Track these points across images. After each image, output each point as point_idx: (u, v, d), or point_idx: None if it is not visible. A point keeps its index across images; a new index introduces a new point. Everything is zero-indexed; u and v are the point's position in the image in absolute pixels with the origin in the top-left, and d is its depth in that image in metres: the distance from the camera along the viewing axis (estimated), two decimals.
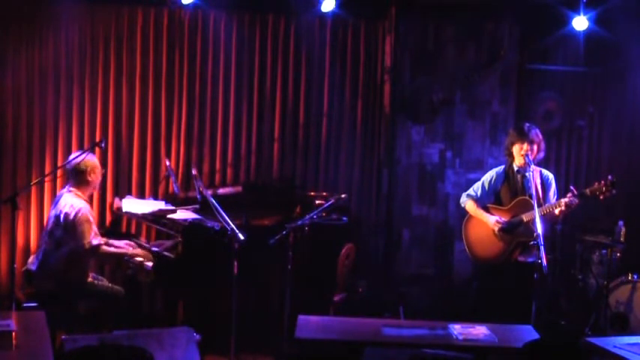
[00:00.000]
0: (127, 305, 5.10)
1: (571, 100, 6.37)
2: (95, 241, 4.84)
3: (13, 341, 3.34)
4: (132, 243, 5.18)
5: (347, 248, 5.53)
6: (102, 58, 5.92)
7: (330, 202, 5.03)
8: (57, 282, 4.82)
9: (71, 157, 5.07)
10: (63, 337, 3.44)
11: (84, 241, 4.77)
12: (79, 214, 4.78)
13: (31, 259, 5.08)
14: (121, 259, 5.10)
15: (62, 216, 4.80)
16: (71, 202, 4.83)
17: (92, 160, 5.01)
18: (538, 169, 5.20)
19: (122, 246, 5.09)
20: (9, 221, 4.99)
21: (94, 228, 4.89)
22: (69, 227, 4.78)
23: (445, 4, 6.14)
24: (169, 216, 5.26)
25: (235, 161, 6.08)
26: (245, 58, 6.04)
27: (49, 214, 5.10)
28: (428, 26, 6.18)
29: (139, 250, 5.12)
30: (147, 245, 5.33)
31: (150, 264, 5.00)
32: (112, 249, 5.01)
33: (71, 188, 4.94)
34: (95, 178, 4.99)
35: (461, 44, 6.20)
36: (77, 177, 4.93)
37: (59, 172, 5.64)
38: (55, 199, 5.10)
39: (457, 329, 3.94)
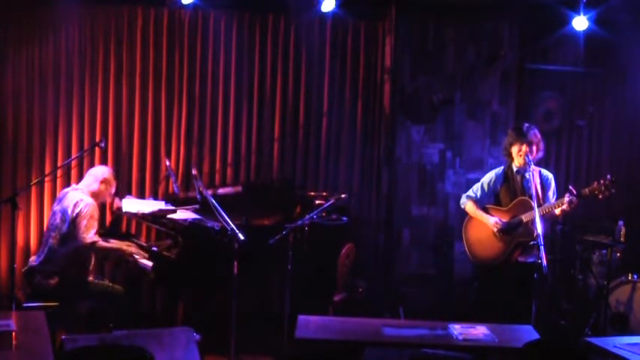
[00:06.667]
0: (127, 305, 5.11)
1: (571, 100, 6.37)
2: (96, 238, 4.94)
3: (13, 341, 3.34)
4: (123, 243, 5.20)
5: (347, 248, 5.53)
6: (102, 58, 5.93)
7: (330, 202, 5.03)
8: (59, 278, 4.86)
9: (94, 168, 5.25)
10: (63, 337, 3.43)
11: (85, 234, 4.86)
12: (86, 209, 4.89)
13: (32, 258, 5.10)
14: (119, 254, 5.14)
15: (70, 210, 4.89)
16: (80, 197, 4.96)
17: (110, 176, 5.16)
18: (537, 169, 5.19)
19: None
20: (9, 221, 5.01)
21: (96, 225, 4.98)
22: (75, 220, 4.87)
23: (445, 4, 6.14)
24: (169, 216, 5.26)
25: (235, 161, 6.08)
26: (245, 58, 6.04)
27: (51, 210, 5.15)
28: (428, 26, 6.18)
29: (133, 248, 5.13)
30: (146, 246, 5.33)
31: (150, 264, 5.00)
32: (108, 244, 5.07)
33: (79, 187, 5.05)
34: (104, 189, 5.13)
35: (461, 44, 6.20)
36: (90, 182, 5.08)
37: (59, 172, 5.66)
38: (58, 196, 5.15)
39: (457, 329, 3.93)
